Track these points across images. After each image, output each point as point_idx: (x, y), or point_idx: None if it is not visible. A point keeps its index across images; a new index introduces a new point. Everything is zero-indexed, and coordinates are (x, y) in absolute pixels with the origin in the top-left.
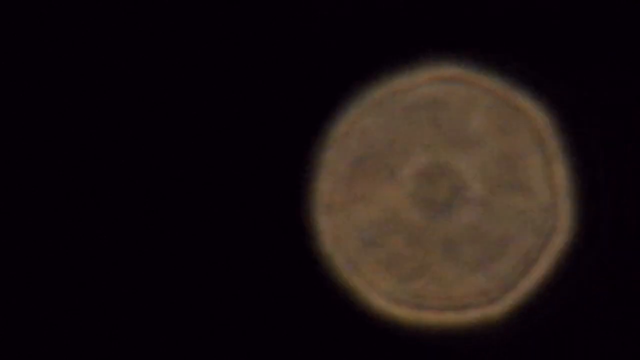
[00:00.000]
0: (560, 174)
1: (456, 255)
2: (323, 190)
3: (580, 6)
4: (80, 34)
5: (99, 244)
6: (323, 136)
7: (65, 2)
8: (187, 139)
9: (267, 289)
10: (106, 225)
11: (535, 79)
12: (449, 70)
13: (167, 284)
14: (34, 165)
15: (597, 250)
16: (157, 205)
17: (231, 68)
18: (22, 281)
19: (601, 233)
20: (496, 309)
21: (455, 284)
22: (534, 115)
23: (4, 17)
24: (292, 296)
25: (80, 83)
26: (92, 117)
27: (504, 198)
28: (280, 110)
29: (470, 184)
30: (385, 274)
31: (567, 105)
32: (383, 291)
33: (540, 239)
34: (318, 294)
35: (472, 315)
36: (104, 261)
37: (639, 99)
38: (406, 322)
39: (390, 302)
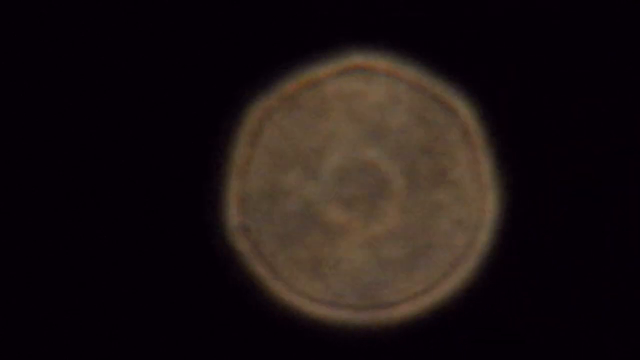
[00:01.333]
0: (486, 167)
1: (378, 253)
2: (237, 186)
3: None
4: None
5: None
6: (238, 131)
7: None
8: (99, 138)
9: (180, 288)
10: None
11: (460, 71)
12: (369, 62)
13: (78, 285)
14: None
15: (522, 246)
16: (68, 199)
17: (144, 65)
18: None
19: (526, 228)
20: (420, 308)
21: (377, 282)
22: (458, 108)
23: None
24: (206, 296)
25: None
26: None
27: (427, 194)
28: (193, 106)
29: (393, 180)
30: (303, 272)
31: (492, 97)
32: (301, 290)
33: (466, 236)
34: (232, 292)
35: (395, 315)
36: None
37: (566, 92)
38: (324, 321)
39: (307, 300)
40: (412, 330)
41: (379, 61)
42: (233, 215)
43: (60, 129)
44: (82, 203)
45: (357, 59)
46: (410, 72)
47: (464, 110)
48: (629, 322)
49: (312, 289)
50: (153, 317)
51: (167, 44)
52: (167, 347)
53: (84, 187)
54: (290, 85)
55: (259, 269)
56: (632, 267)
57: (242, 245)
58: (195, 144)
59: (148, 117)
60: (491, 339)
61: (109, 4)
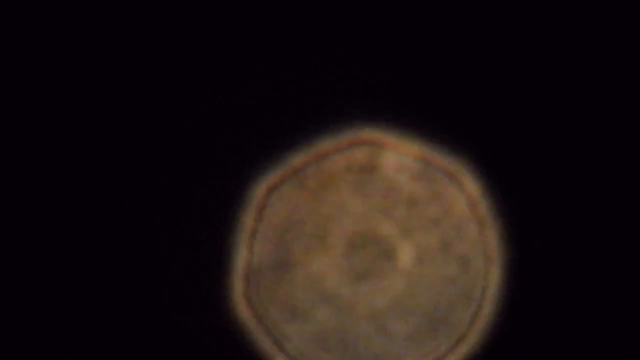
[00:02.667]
0: (493, 242)
1: (385, 327)
2: (246, 257)
3: (505, 69)
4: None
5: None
6: (247, 203)
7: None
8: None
9: (184, 355)
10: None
11: (467, 145)
12: (378, 136)
13: (73, 329)
14: None
15: (526, 321)
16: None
17: (146, 138)
18: None
19: (531, 302)
20: None
21: (383, 356)
22: (465, 182)
23: None
24: None
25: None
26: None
27: (434, 267)
28: (204, 177)
29: (400, 253)
30: (311, 347)
31: (498, 169)
32: None
33: (471, 310)
34: None
35: None
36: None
37: (570, 163)
38: None
39: None
40: None
41: (387, 135)
42: (239, 288)
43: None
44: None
45: (366, 132)
46: (418, 146)
47: (471, 184)
48: None
49: None
50: None
51: (172, 117)
52: None
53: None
54: (298, 158)
55: (265, 343)
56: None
57: (247, 318)
58: (202, 216)
59: (157, 189)
60: None
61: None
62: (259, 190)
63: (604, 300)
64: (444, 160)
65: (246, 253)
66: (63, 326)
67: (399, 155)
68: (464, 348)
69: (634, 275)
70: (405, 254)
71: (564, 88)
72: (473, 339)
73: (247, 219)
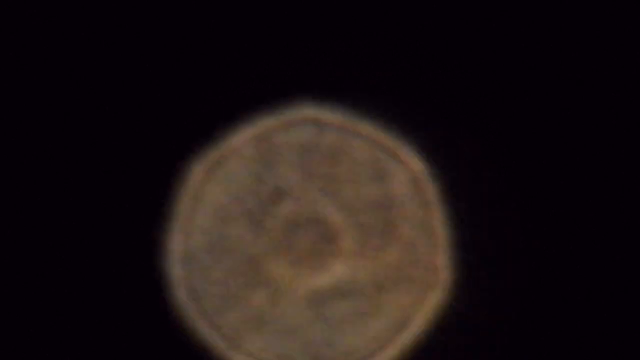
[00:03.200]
0: (438, 222)
1: (325, 311)
2: (180, 240)
3: (456, 51)
4: None
5: None
6: (182, 183)
7: None
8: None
9: (121, 341)
10: None
11: (410, 125)
12: (320, 114)
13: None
14: None
15: (472, 304)
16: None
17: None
18: None
19: (476, 286)
20: None
21: (324, 343)
22: (409, 162)
23: None
24: (148, 350)
25: None
26: None
27: (377, 250)
28: (139, 155)
29: (342, 235)
30: (247, 332)
31: (444, 152)
32: (245, 350)
33: (416, 294)
34: (174, 348)
35: None
36: None
37: (518, 144)
38: None
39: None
40: None
41: (330, 113)
42: (176, 272)
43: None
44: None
45: (308, 111)
46: (361, 125)
47: (415, 164)
48: None
49: (256, 347)
50: None
51: (121, 103)
52: None
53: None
54: (237, 137)
55: (203, 327)
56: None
57: (185, 303)
58: (139, 199)
59: (98, 174)
60: None
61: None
62: (196, 170)
63: (552, 278)
64: (389, 141)
65: (183, 235)
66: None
67: (342, 134)
68: (408, 333)
69: (578, 246)
70: (347, 237)
71: (509, 61)
72: (417, 324)
73: (185, 200)
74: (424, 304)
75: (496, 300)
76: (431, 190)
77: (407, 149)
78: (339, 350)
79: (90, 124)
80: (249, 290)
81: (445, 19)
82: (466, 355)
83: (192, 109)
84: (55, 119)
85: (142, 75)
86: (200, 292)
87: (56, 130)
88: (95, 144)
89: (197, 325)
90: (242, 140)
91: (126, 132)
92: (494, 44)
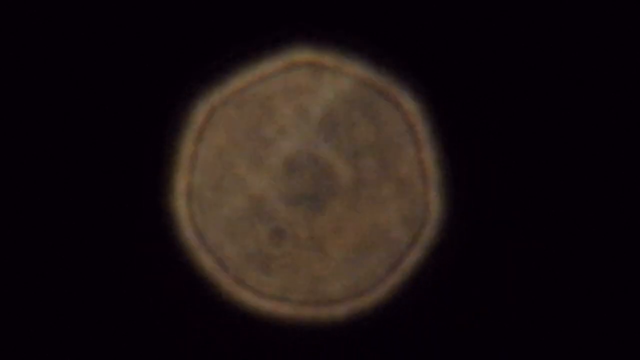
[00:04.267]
0: (431, 162)
1: (324, 248)
2: (185, 180)
3: None
4: None
5: None
6: (184, 125)
7: None
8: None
9: (128, 280)
10: None
11: (406, 67)
12: (316, 58)
13: (20, 275)
14: None
15: (466, 240)
16: (11, 197)
17: (88, 57)
18: None
19: (470, 224)
20: (365, 303)
21: (323, 278)
22: (403, 103)
23: None
24: (154, 288)
25: None
26: None
27: (373, 189)
28: (140, 101)
29: (339, 175)
30: (250, 267)
31: (436, 91)
32: (249, 284)
33: (410, 231)
34: (181, 284)
35: (340, 310)
36: None
37: (510, 88)
38: (272, 315)
39: (256, 295)
40: (357, 326)
41: (326, 57)
42: (180, 208)
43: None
44: (23, 186)
45: (304, 55)
46: (356, 68)
47: (410, 106)
48: (570, 319)
49: (259, 283)
50: (94, 308)
51: (115, 39)
52: (109, 336)
53: (24, 171)
54: (237, 81)
55: (206, 261)
56: (578, 264)
57: (189, 238)
58: (142, 138)
59: (94, 112)
60: (434, 335)
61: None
62: (199, 111)
63: (540, 217)
64: (382, 82)
65: (187, 174)
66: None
67: (337, 77)
68: (403, 268)
69: (565, 202)
70: (344, 176)
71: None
72: (412, 260)
73: (188, 140)
74: (418, 241)
75: (488, 239)
76: (424, 131)
77: (399, 89)
78: (338, 285)
79: (93, 65)
80: (251, 229)
81: None
82: (458, 289)
83: (193, 53)
84: (56, 64)
85: (143, 18)
86: (205, 229)
87: (57, 75)
88: (100, 85)
89: (202, 262)
90: (242, 84)
91: (131, 77)
92: None
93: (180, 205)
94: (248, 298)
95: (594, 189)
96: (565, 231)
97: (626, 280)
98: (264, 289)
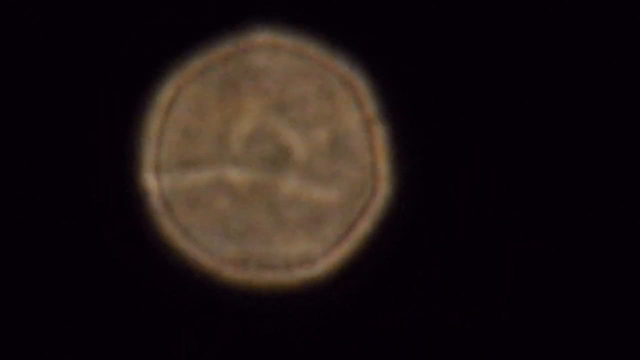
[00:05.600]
0: (380, 137)
1: (281, 218)
2: (151, 154)
3: None
4: None
5: None
6: (150, 103)
7: None
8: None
9: (96, 252)
10: None
11: (357, 48)
12: (274, 40)
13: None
14: None
15: (414, 211)
16: None
17: (58, 40)
18: None
19: (417, 194)
20: (319, 269)
21: (279, 245)
22: (354, 82)
23: None
24: (122, 258)
25: None
26: None
27: (326, 162)
28: (108, 78)
29: (295, 149)
30: (212, 234)
31: (387, 73)
32: (210, 250)
33: (361, 201)
34: (147, 253)
35: (296, 275)
36: None
37: (457, 64)
38: (233, 281)
39: (217, 261)
40: (311, 290)
41: (283, 39)
42: (148, 181)
43: None
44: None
45: (263, 37)
46: (311, 49)
47: (360, 84)
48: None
49: (221, 249)
50: (68, 282)
51: (83, 21)
52: (77, 304)
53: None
54: (200, 62)
55: (172, 230)
56: (527, 234)
57: (156, 208)
58: (111, 116)
59: (66, 92)
60: (382, 301)
61: None
62: (165, 91)
63: (495, 189)
64: (335, 62)
65: (155, 150)
66: None
67: (293, 57)
68: (354, 236)
69: (522, 161)
70: (298, 150)
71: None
72: (362, 228)
73: (155, 118)
74: (368, 209)
75: (436, 210)
76: (373, 107)
77: (352, 71)
78: (294, 251)
79: (61, 46)
80: (214, 199)
81: None
82: (409, 259)
83: (161, 37)
84: (26, 45)
85: (111, 1)
86: (171, 200)
87: (27, 55)
88: (70, 64)
89: (168, 230)
90: (206, 63)
91: (101, 54)
92: None
93: (150, 178)
94: (210, 264)
95: (548, 161)
96: (510, 202)
97: (602, 269)
98: (224, 255)
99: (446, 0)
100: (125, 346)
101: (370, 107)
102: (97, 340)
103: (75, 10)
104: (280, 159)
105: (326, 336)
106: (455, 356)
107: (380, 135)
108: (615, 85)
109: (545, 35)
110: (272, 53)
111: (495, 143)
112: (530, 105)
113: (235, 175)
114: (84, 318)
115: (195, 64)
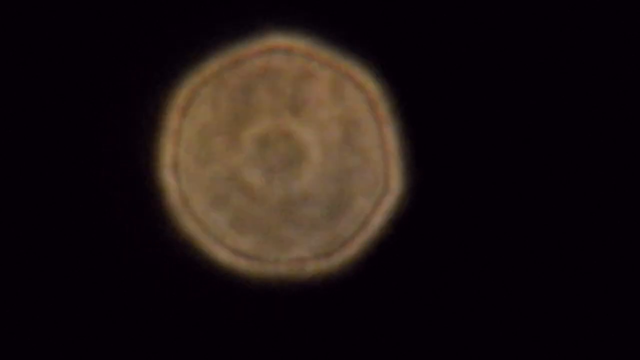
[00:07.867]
0: (391, 137)
1: (293, 215)
2: (169, 153)
3: None
4: None
5: None
6: (168, 103)
7: None
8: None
9: (114, 247)
10: None
11: (369, 52)
12: (288, 43)
13: (11, 246)
14: None
15: (426, 211)
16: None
17: (76, 38)
18: None
19: (430, 195)
20: (332, 266)
21: (292, 243)
22: (366, 84)
23: None
24: (140, 254)
25: None
26: None
27: (339, 161)
28: (124, 78)
29: (308, 148)
30: (228, 230)
31: (396, 71)
32: (227, 246)
33: (373, 200)
34: (166, 250)
35: (308, 271)
36: None
37: (468, 65)
38: (248, 275)
39: (233, 256)
40: (323, 285)
41: (297, 42)
42: (166, 177)
43: None
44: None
45: (278, 40)
46: (324, 52)
47: (372, 86)
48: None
49: (237, 244)
50: (84, 279)
51: (99, 22)
52: (93, 300)
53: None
54: (216, 64)
55: (191, 227)
56: (541, 237)
57: (174, 203)
58: (128, 114)
59: (86, 92)
60: (396, 299)
61: None
62: (182, 91)
63: (502, 190)
64: (345, 63)
65: (172, 148)
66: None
67: (307, 59)
68: (367, 233)
69: (526, 167)
70: (312, 149)
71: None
72: (375, 225)
73: (172, 118)
74: (381, 207)
75: (446, 209)
76: (385, 108)
77: (363, 72)
78: (306, 247)
79: (78, 47)
80: (230, 196)
81: None
82: (421, 258)
83: (175, 39)
84: (39, 48)
85: (126, 2)
86: (189, 197)
87: (42, 57)
88: (91, 64)
89: (186, 226)
90: (221, 65)
91: (120, 55)
92: None
93: (167, 175)
94: (226, 258)
95: (544, 163)
96: (515, 204)
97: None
98: (240, 249)
99: (462, 3)
100: (142, 340)
101: (383, 106)
102: (116, 335)
103: (94, 11)
104: (295, 158)
105: (340, 330)
106: (467, 354)
107: (393, 136)
108: (616, 85)
109: (564, 39)
110: (287, 55)
111: (510, 143)
112: (547, 104)
113: (251, 173)
114: (102, 313)
115: (211, 66)
